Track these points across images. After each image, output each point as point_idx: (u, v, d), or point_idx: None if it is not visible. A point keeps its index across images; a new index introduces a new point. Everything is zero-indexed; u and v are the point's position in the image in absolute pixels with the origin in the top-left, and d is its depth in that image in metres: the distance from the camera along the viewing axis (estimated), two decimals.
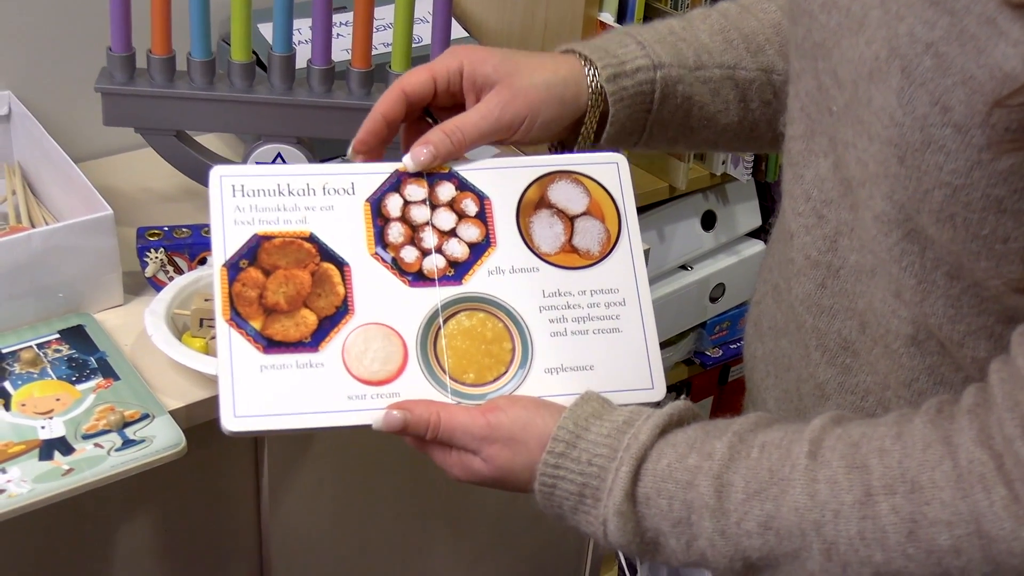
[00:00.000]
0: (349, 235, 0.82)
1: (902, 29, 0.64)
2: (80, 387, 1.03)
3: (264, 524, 1.21)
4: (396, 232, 0.83)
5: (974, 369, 0.71)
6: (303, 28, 1.35)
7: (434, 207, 0.84)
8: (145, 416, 1.00)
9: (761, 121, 0.92)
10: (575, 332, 0.83)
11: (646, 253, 1.34)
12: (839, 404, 0.80)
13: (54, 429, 0.99)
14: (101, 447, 0.97)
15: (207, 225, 1.18)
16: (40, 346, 1.07)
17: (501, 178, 0.86)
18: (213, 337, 1.05)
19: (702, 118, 0.90)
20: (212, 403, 0.79)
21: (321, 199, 0.83)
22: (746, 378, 0.93)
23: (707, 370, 1.87)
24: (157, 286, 1.16)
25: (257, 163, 1.23)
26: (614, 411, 0.77)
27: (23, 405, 1.01)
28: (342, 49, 1.31)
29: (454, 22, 1.37)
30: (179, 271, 1.17)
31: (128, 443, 0.98)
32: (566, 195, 0.86)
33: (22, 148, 1.29)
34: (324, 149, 1.33)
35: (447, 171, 0.85)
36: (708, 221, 1.74)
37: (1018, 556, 0.63)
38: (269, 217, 0.82)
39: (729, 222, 1.77)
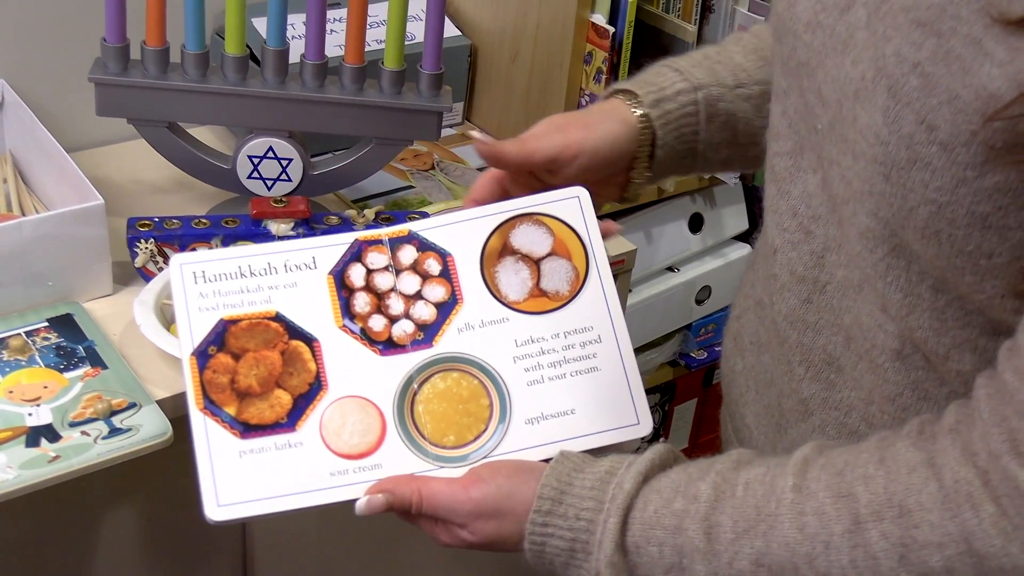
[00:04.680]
0: (315, 310, 0.81)
1: (889, 50, 0.65)
2: (68, 375, 1.04)
3: None
4: (362, 302, 0.82)
5: (958, 383, 0.72)
6: (297, 23, 1.35)
7: (398, 272, 0.83)
8: (132, 405, 1.01)
9: None
10: (552, 378, 0.82)
11: (633, 254, 1.36)
12: (823, 420, 0.80)
13: (41, 416, 0.99)
14: (88, 435, 0.97)
15: (198, 217, 1.19)
16: (29, 334, 1.07)
17: (461, 232, 0.84)
18: None
19: (748, 134, 0.91)
20: None
21: (284, 277, 0.82)
22: (723, 392, 0.93)
23: (692, 372, 1.87)
24: (146, 276, 1.16)
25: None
26: (595, 462, 0.77)
27: (10, 392, 1.01)
28: (335, 45, 1.31)
29: (447, 20, 1.38)
30: (168, 262, 1.17)
31: (115, 431, 0.98)
32: (529, 239, 0.85)
33: (14, 137, 1.29)
34: (315, 143, 1.34)
35: (406, 234, 0.84)
36: (695, 223, 1.75)
37: (1010, 572, 0.64)
38: (233, 300, 0.81)
39: (716, 225, 1.78)
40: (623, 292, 1.38)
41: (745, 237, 1.83)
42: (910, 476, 0.66)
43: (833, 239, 0.76)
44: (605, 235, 0.88)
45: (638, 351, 1.76)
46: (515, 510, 0.76)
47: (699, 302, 1.80)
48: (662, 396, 1.90)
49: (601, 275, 0.84)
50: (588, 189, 0.89)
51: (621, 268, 1.35)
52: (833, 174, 0.73)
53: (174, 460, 0.97)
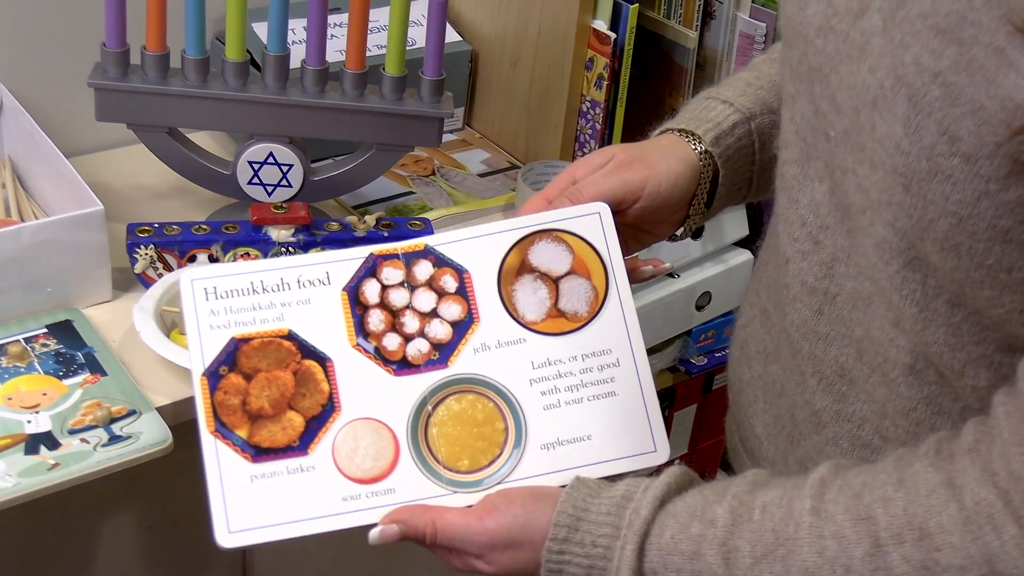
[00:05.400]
0: (328, 328, 0.80)
1: (908, 58, 0.64)
2: (67, 382, 1.03)
3: None
4: (376, 320, 0.80)
5: (974, 399, 0.71)
6: (298, 28, 1.35)
7: (413, 288, 0.81)
8: (132, 412, 1.00)
9: None
10: (569, 402, 0.80)
11: (635, 257, 1.35)
12: (836, 432, 0.79)
13: (40, 423, 0.99)
14: (87, 442, 0.97)
15: (198, 223, 1.19)
16: (27, 340, 1.07)
17: (479, 248, 0.83)
18: None
19: None
20: None
21: (296, 293, 0.80)
22: (731, 401, 0.93)
23: (692, 378, 1.87)
24: (146, 283, 1.16)
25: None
26: (611, 487, 0.76)
27: (9, 399, 1.01)
28: (336, 50, 1.31)
29: (448, 26, 1.37)
30: (168, 268, 1.17)
31: (114, 439, 0.98)
32: (548, 256, 0.83)
33: (13, 142, 1.29)
34: (316, 149, 1.34)
35: (422, 248, 0.82)
36: (696, 230, 1.74)
37: None
38: (245, 318, 0.79)
39: (717, 231, 1.78)
40: None
41: (746, 243, 1.83)
42: (929, 498, 0.65)
43: (842, 250, 0.75)
44: (655, 274, 0.87)
45: None
46: (532, 539, 0.75)
47: (699, 308, 1.80)
48: (662, 402, 1.90)
49: (621, 296, 0.83)
50: (643, 229, 0.88)
51: None
52: (848, 183, 0.71)
53: (174, 467, 0.97)
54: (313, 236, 1.19)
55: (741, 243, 1.83)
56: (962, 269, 0.66)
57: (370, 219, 1.23)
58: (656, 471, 0.77)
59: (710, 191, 0.89)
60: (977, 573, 0.63)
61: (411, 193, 1.42)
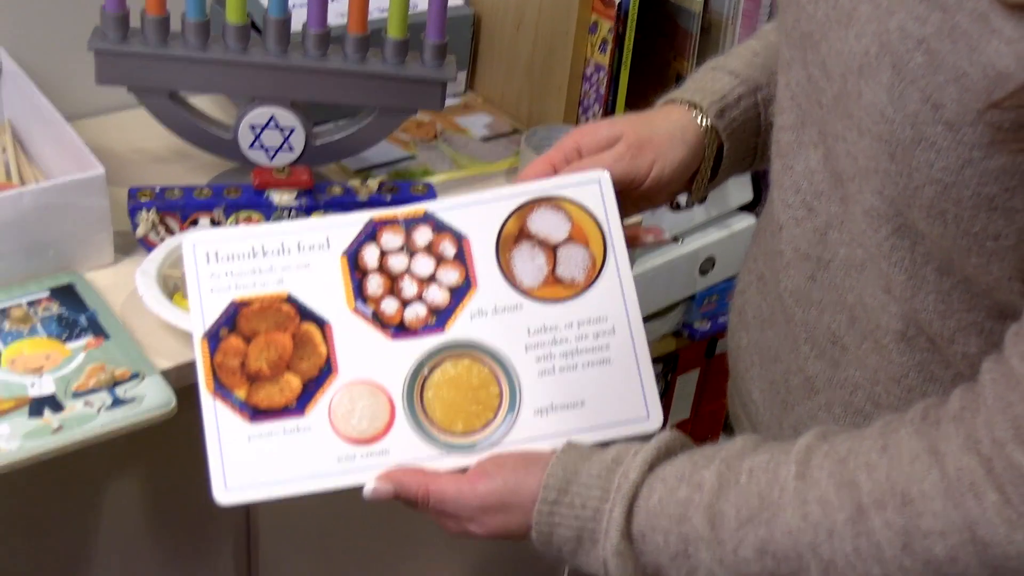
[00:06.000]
0: (327, 292, 0.81)
1: (892, 24, 0.63)
2: (70, 345, 1.03)
3: None
4: (375, 284, 0.81)
5: (964, 365, 0.71)
6: None
7: (412, 253, 0.82)
8: (135, 375, 1.00)
9: None
10: (563, 368, 0.81)
11: (637, 225, 1.35)
12: (828, 398, 0.79)
13: (44, 387, 0.99)
14: (91, 405, 0.97)
15: (199, 186, 1.18)
16: (30, 304, 1.07)
17: (478, 214, 0.83)
18: None
19: None
20: None
21: (296, 257, 0.81)
22: (730, 367, 0.93)
23: (694, 343, 1.87)
24: (148, 246, 1.15)
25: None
26: (602, 451, 0.77)
27: (12, 362, 1.01)
28: (338, 13, 1.30)
29: None
30: (170, 232, 1.16)
31: (118, 402, 0.98)
32: (546, 224, 0.83)
33: (13, 105, 1.28)
34: (318, 113, 1.33)
35: (422, 214, 0.83)
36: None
37: (1015, 559, 0.63)
38: (245, 281, 0.80)
39: (721, 196, 1.77)
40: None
41: (750, 208, 1.82)
42: (912, 464, 0.66)
43: (835, 216, 0.75)
44: (657, 244, 0.87)
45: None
46: (522, 503, 0.76)
47: (703, 273, 1.80)
48: (664, 367, 1.90)
49: (619, 264, 0.83)
50: (645, 198, 0.88)
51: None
52: (839, 150, 0.71)
53: (178, 431, 0.97)
54: (315, 200, 1.19)
55: (745, 208, 1.83)
56: (949, 236, 0.65)
57: (372, 183, 1.22)
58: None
59: (714, 163, 0.89)
60: (958, 539, 0.64)
61: (413, 157, 1.41)
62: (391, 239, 0.82)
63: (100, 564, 1.15)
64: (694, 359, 1.93)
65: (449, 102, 1.48)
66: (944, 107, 0.61)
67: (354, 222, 0.82)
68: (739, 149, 0.90)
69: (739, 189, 1.80)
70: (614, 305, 0.82)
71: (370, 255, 0.82)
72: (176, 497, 1.16)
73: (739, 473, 0.72)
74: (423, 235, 0.83)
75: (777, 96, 0.80)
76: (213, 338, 0.79)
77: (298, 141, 1.25)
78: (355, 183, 1.23)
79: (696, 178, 0.89)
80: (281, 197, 1.18)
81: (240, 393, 0.78)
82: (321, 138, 1.26)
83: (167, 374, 1.02)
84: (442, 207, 0.83)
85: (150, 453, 1.12)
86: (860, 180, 0.69)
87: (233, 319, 0.79)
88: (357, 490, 0.78)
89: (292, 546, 1.29)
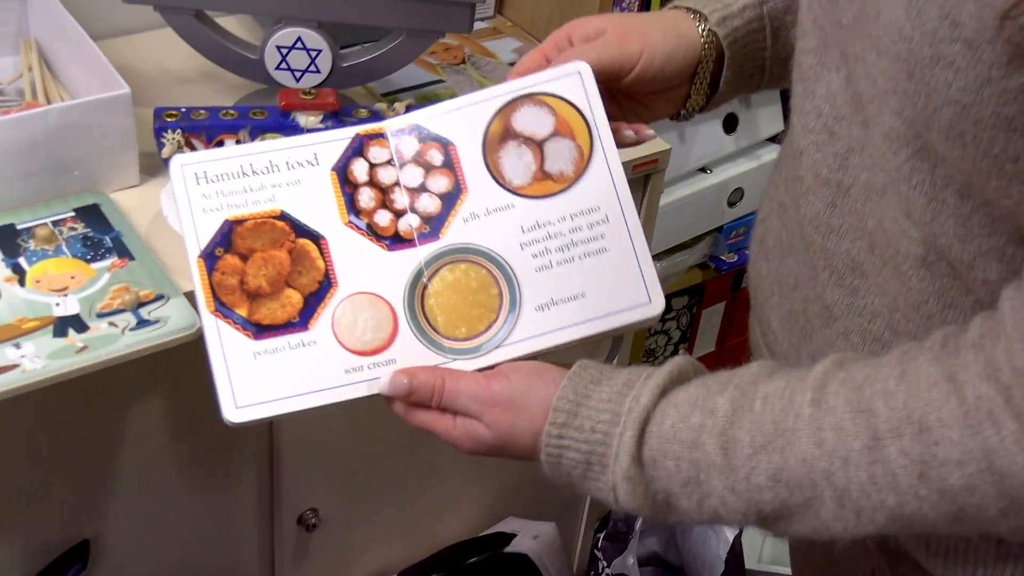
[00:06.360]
0: (320, 207, 0.81)
1: None
2: (95, 266, 1.03)
3: None
4: (366, 197, 0.82)
5: (984, 292, 0.70)
6: None
7: (400, 165, 0.82)
8: (160, 297, 1.00)
9: None
10: (561, 262, 0.81)
11: (667, 154, 1.34)
12: (847, 326, 0.78)
13: (68, 306, 0.99)
14: (115, 326, 0.97)
15: (225, 108, 1.17)
16: (55, 223, 1.07)
17: (462, 119, 0.83)
18: None
19: None
20: None
21: (286, 174, 0.81)
22: (751, 296, 0.92)
23: (721, 275, 1.86)
24: None
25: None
26: (613, 374, 0.76)
27: (38, 282, 1.01)
28: None
29: None
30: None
31: (142, 323, 0.98)
32: (531, 120, 0.83)
33: (39, 23, 1.27)
34: (345, 34, 1.31)
35: (407, 126, 0.83)
36: (730, 124, 1.72)
37: None
38: (237, 200, 0.80)
39: (751, 126, 1.75)
40: (655, 193, 1.36)
41: (779, 139, 1.80)
42: (930, 392, 0.65)
43: (857, 140, 0.73)
44: (639, 140, 0.86)
45: (667, 252, 1.75)
46: (529, 407, 0.75)
47: (731, 204, 1.78)
48: (690, 299, 1.89)
49: (606, 152, 0.83)
50: (639, 102, 0.87)
51: (654, 168, 1.33)
52: (858, 71, 0.70)
53: (201, 353, 0.97)
54: (341, 123, 1.17)
55: (775, 138, 1.81)
56: (968, 159, 0.64)
57: (399, 106, 1.21)
58: (660, 360, 0.77)
59: (715, 73, 0.88)
60: (975, 468, 0.63)
61: (441, 81, 1.39)
62: (378, 152, 0.83)
63: (124, 484, 1.16)
64: (720, 292, 1.92)
65: (477, 26, 1.46)
66: (962, 24, 0.60)
67: (340, 138, 0.83)
68: (743, 63, 0.88)
69: (770, 119, 1.78)
70: (605, 194, 0.82)
71: (359, 169, 0.82)
72: (199, 418, 1.16)
73: (753, 400, 0.71)
74: (409, 146, 0.83)
75: (799, 19, 0.79)
76: (210, 257, 0.79)
77: (325, 63, 1.23)
78: (382, 106, 1.22)
79: (694, 84, 0.88)
80: (307, 119, 1.16)
81: (241, 311, 0.78)
82: (348, 60, 1.25)
83: (191, 296, 1.02)
84: (426, 116, 0.84)
85: (174, 374, 1.12)
86: (879, 102, 0.68)
87: (228, 238, 0.80)
88: (373, 405, 0.78)
89: (315, 470, 1.30)
